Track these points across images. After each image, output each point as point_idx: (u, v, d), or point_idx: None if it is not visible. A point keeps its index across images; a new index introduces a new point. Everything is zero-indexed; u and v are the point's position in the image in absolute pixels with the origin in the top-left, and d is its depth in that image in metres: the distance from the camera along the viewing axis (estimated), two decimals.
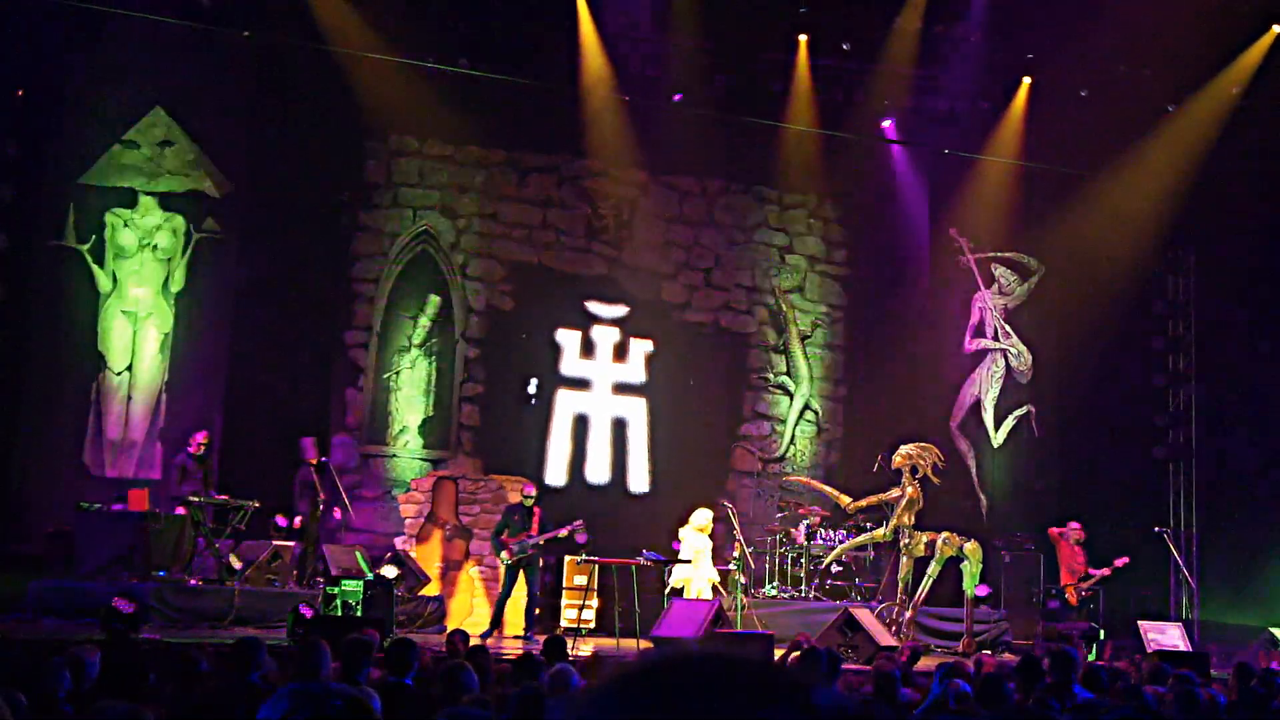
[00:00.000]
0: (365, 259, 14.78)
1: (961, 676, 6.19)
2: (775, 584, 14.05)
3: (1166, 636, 11.89)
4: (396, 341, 14.80)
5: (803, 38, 15.01)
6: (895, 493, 13.13)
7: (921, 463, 13.16)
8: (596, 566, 13.03)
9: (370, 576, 11.35)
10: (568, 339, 15.36)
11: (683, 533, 12.53)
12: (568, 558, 13.34)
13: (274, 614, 10.90)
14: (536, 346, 15.21)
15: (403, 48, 13.99)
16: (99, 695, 5.32)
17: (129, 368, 13.57)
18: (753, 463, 15.96)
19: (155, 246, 13.73)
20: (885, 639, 11.36)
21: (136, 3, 13.07)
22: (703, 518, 12.52)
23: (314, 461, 12.61)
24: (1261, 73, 14.59)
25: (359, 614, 10.44)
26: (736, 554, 13.17)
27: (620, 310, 15.55)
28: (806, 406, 16.23)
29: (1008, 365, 16.63)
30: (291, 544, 12.19)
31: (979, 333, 16.73)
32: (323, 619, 9.94)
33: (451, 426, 14.83)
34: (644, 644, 11.09)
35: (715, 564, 12.54)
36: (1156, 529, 14.19)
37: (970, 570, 12.79)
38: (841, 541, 13.94)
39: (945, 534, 12.94)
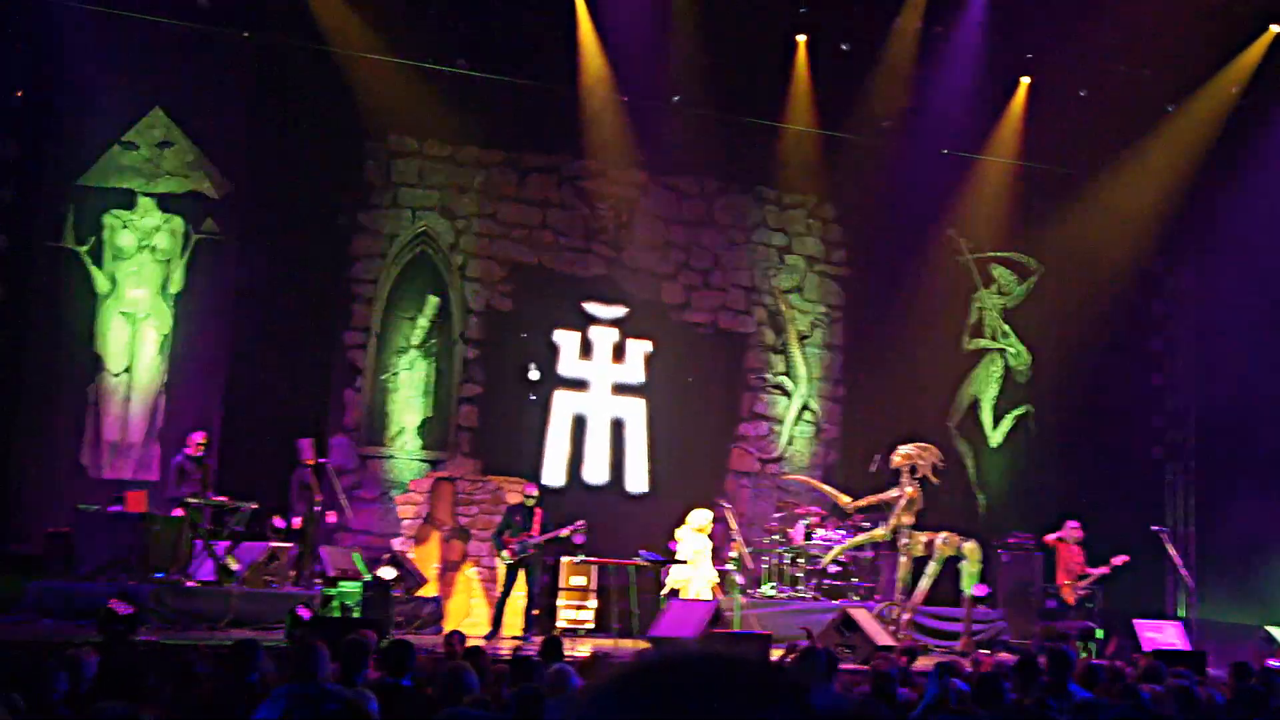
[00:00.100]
0: (364, 260, 14.77)
1: (959, 676, 6.19)
2: (773, 584, 14.05)
3: (1164, 635, 11.88)
4: (395, 342, 14.79)
5: (802, 38, 15.00)
6: (894, 493, 13.12)
7: (921, 463, 13.16)
8: (594, 567, 13.03)
9: (368, 578, 11.36)
10: (566, 339, 15.36)
11: (680, 533, 12.53)
12: (564, 558, 13.34)
13: (272, 615, 10.86)
14: (535, 347, 15.21)
15: (402, 48, 14.00)
16: (97, 697, 5.32)
17: (127, 369, 13.56)
18: (751, 463, 15.95)
19: (154, 248, 13.72)
20: (883, 639, 11.36)
21: (136, 3, 13.07)
22: (701, 518, 12.52)
23: (311, 463, 12.60)
24: (1261, 73, 14.60)
25: (357, 615, 10.43)
26: (734, 554, 13.17)
27: (619, 311, 15.54)
28: (805, 407, 16.22)
29: (1006, 365, 16.64)
30: (289, 545, 12.17)
31: (977, 332, 16.74)
32: (320, 620, 9.92)
33: (450, 427, 14.82)
34: (641, 644, 11.08)
35: (714, 564, 12.55)
36: (1154, 528, 14.19)
37: (968, 570, 12.79)
38: (839, 541, 13.94)
39: (944, 534, 12.94)
